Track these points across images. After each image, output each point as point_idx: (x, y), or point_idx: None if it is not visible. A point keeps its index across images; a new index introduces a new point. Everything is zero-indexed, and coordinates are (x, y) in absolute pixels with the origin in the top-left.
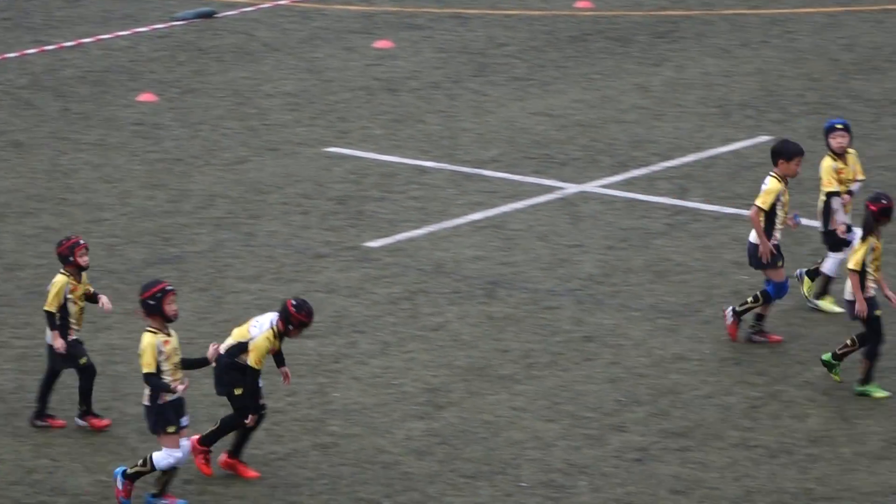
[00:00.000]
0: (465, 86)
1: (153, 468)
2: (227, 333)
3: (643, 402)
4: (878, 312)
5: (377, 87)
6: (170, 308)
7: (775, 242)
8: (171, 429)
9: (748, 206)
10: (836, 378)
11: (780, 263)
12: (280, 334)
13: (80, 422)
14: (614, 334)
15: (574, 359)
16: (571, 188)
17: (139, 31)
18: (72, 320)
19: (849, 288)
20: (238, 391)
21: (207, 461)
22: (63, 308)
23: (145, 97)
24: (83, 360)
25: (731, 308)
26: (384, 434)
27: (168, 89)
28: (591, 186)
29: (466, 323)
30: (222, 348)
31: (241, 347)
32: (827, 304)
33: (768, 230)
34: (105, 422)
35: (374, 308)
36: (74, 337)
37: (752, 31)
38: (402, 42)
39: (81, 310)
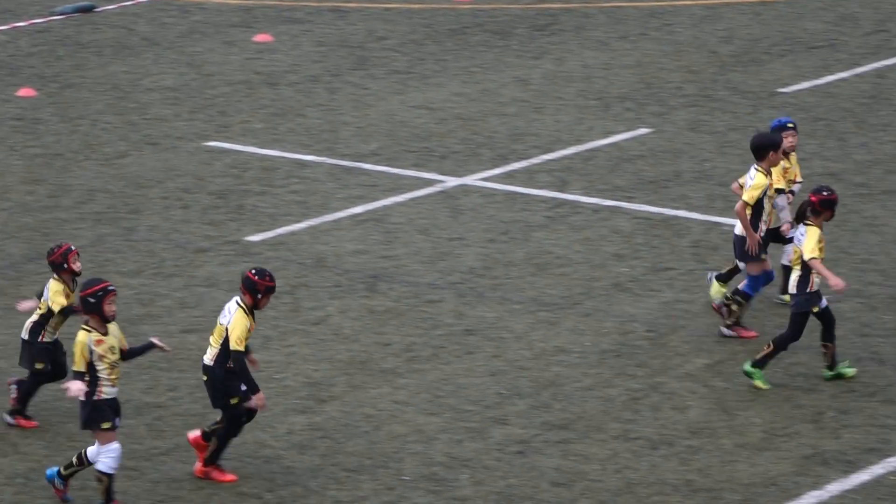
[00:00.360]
0: (344, 79)
1: (108, 475)
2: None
3: (524, 394)
4: (815, 310)
5: (257, 80)
6: (109, 308)
7: (762, 234)
8: (106, 425)
9: (628, 199)
10: (850, 374)
11: (763, 256)
12: (250, 309)
13: (8, 419)
14: (496, 327)
15: (455, 352)
16: (452, 181)
17: (18, 25)
18: (48, 328)
19: (794, 281)
20: (234, 401)
21: (222, 471)
22: (49, 311)
23: (24, 92)
24: (40, 366)
25: (722, 328)
26: (266, 428)
27: (47, 84)
28: (472, 179)
29: (348, 317)
30: (209, 360)
31: (227, 346)
32: (716, 290)
33: (754, 223)
34: (33, 423)
35: None
36: (47, 340)
37: (631, 24)
38: (281, 36)
39: (65, 320)
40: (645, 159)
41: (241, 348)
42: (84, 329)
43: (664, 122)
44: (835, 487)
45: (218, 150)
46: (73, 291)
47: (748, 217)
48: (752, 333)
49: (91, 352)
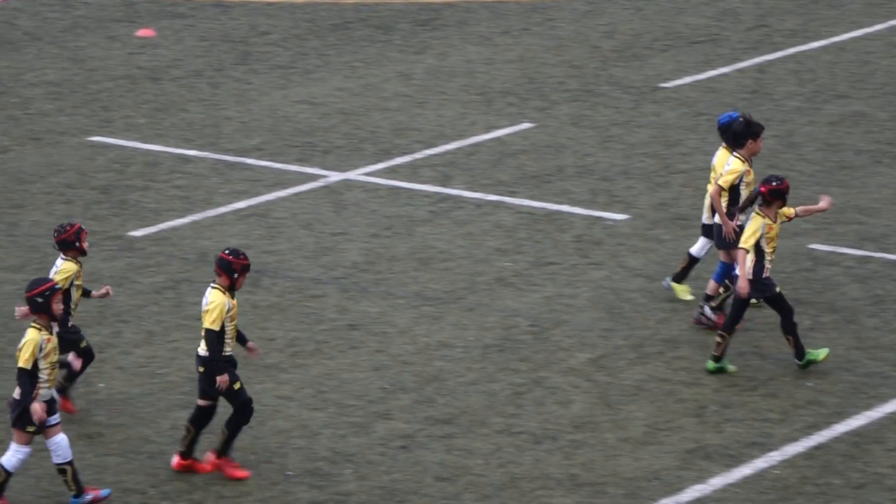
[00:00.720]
0: (227, 74)
1: (8, 473)
2: None
3: (408, 389)
4: (778, 289)
5: (140, 75)
6: (57, 307)
7: (739, 223)
8: (31, 428)
9: (511, 194)
10: (731, 369)
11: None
12: (228, 289)
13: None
14: (379, 322)
15: (339, 347)
16: (335, 176)
17: None
18: (72, 305)
19: (749, 267)
20: (236, 386)
21: (236, 466)
22: (66, 293)
23: None
24: (83, 344)
25: (704, 307)
26: (149, 424)
27: None
28: (355, 174)
29: None
30: (203, 352)
31: (216, 335)
32: (681, 291)
33: (729, 211)
34: (74, 409)
35: (139, 297)
36: (73, 323)
37: (514, 19)
38: (164, 30)
39: (80, 295)
40: (528, 154)
41: (216, 328)
42: (34, 327)
43: (547, 117)
44: (717, 481)
45: (101, 146)
46: (80, 269)
47: (724, 203)
48: (720, 322)
49: (41, 349)
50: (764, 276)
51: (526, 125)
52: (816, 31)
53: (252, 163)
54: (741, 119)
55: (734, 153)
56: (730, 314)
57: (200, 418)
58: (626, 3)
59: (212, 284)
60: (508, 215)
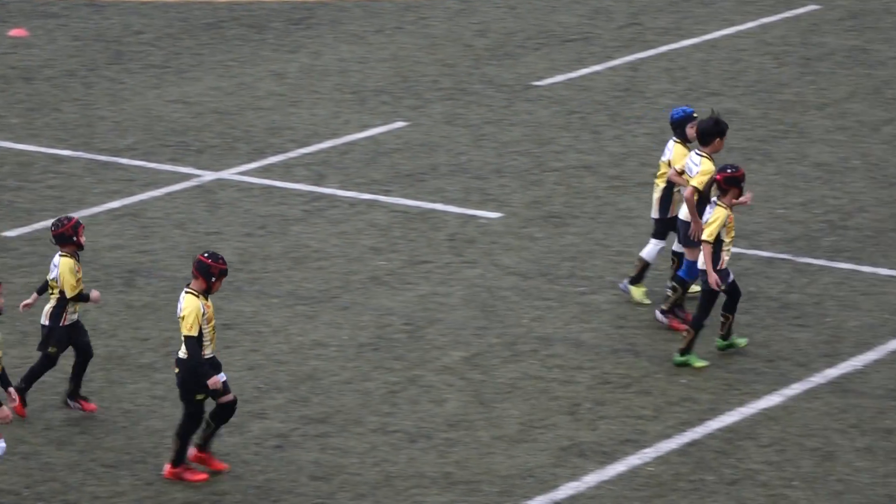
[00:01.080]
0: (100, 74)
1: None
2: None
3: (283, 388)
4: (722, 287)
5: (12, 75)
6: None
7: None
8: None
9: (385, 192)
10: (742, 344)
11: None
12: (202, 293)
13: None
14: (253, 321)
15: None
16: (208, 175)
17: None
18: (69, 309)
19: (702, 258)
20: (200, 397)
21: (193, 470)
22: (62, 293)
23: None
24: (53, 350)
25: (658, 311)
26: (24, 424)
27: None
28: (228, 174)
29: (105, 312)
30: (183, 354)
31: (195, 340)
32: (638, 294)
33: (700, 210)
34: (23, 412)
35: (13, 298)
36: (69, 322)
37: (387, 18)
38: (36, 30)
39: (81, 291)
40: (401, 153)
41: (193, 334)
42: None
43: (420, 116)
44: (592, 478)
45: None
46: (79, 263)
47: (695, 203)
48: (683, 327)
49: None
50: (719, 266)
51: (399, 124)
52: (689, 29)
53: (125, 162)
54: (710, 118)
55: (697, 151)
56: (698, 308)
57: (220, 414)
58: (498, 2)
59: (185, 289)
60: (382, 214)
